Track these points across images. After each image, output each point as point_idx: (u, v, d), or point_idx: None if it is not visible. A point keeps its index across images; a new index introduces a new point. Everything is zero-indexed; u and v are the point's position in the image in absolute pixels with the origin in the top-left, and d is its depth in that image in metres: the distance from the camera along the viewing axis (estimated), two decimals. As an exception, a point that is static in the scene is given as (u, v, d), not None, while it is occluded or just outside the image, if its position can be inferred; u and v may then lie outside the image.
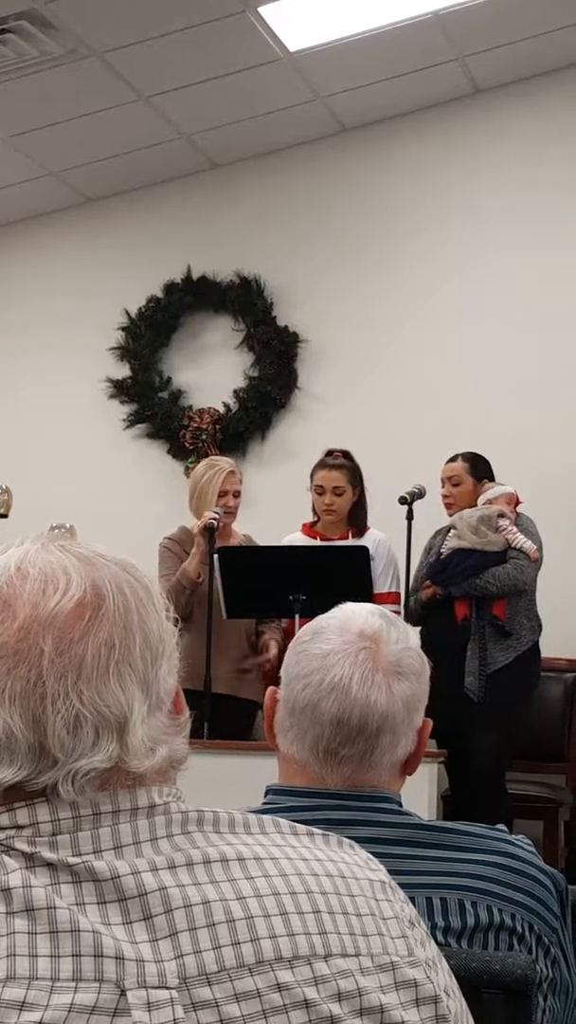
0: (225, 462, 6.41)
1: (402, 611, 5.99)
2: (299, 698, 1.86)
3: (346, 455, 6.34)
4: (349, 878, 1.27)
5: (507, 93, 7.79)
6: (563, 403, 7.43)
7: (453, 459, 6.35)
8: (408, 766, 1.92)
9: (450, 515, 6.28)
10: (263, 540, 6.31)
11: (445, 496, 6.30)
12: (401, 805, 1.88)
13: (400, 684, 1.86)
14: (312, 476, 6.30)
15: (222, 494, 6.09)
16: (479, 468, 6.31)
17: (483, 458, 6.35)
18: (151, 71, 7.20)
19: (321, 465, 6.30)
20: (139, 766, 1.20)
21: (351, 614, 1.93)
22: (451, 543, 6.09)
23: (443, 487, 6.32)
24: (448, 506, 6.30)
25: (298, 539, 6.32)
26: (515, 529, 6.09)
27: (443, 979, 1.28)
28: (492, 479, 6.31)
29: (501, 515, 6.09)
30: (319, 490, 6.25)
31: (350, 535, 6.26)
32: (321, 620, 1.94)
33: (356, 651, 1.85)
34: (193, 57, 7.06)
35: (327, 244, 8.12)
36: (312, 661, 1.86)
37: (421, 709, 1.91)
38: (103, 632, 1.20)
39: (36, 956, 1.09)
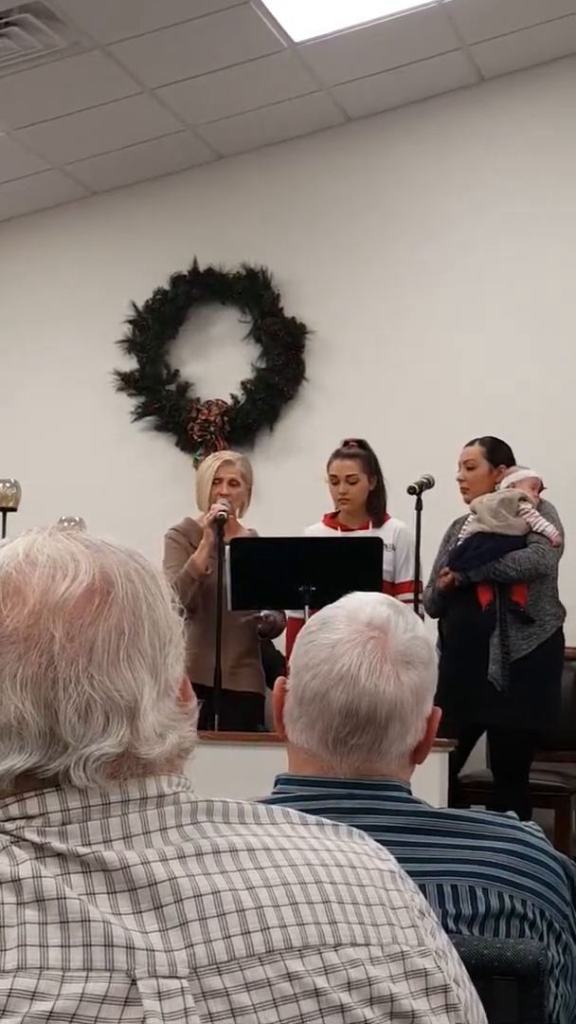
0: (226, 453, 6.46)
1: (414, 600, 5.96)
2: (308, 688, 1.86)
3: (361, 444, 6.35)
4: (359, 868, 1.27)
5: (512, 82, 7.78)
6: (569, 389, 7.42)
7: (471, 443, 6.32)
8: (418, 755, 1.92)
9: (466, 500, 6.24)
10: (271, 531, 6.31)
11: (460, 480, 6.27)
12: (411, 793, 1.88)
13: (408, 673, 1.86)
14: (328, 466, 6.32)
15: (216, 482, 6.10)
16: (497, 453, 6.26)
17: (503, 443, 6.30)
18: (155, 63, 7.19)
19: (335, 455, 6.32)
20: (149, 752, 1.21)
21: (359, 603, 1.93)
22: (470, 527, 6.05)
23: (459, 471, 6.29)
24: (463, 491, 6.26)
25: (319, 530, 6.32)
26: (537, 513, 6.04)
27: (453, 968, 1.28)
28: (511, 464, 6.27)
29: (523, 498, 6.05)
30: (333, 479, 6.26)
31: (370, 525, 6.26)
32: (329, 610, 1.94)
33: (364, 640, 1.85)
34: (197, 49, 7.06)
35: (333, 235, 8.12)
36: (320, 651, 1.87)
37: (430, 698, 1.91)
38: (112, 617, 1.20)
39: (47, 946, 1.09)
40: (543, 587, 6.02)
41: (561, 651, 6.11)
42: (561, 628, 6.06)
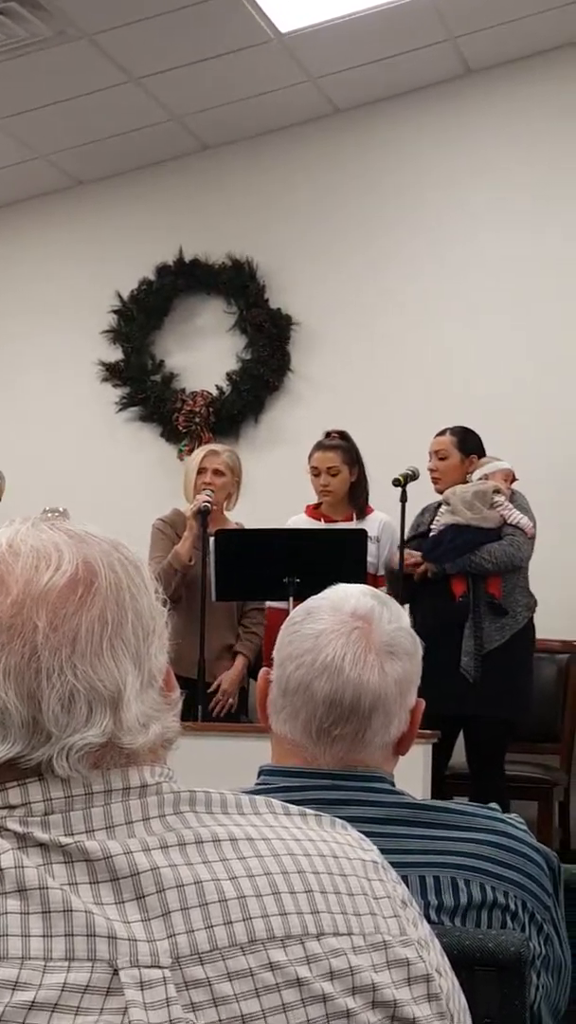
0: (216, 445, 6.48)
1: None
2: (292, 678, 1.86)
3: (343, 435, 6.37)
4: (341, 858, 1.27)
5: (499, 74, 7.77)
6: (555, 382, 7.42)
7: (441, 433, 6.31)
8: (401, 746, 1.92)
9: (437, 490, 6.25)
10: (255, 522, 6.31)
11: (432, 470, 6.26)
12: (394, 785, 1.88)
13: (393, 664, 1.86)
14: (309, 458, 6.34)
15: (201, 471, 6.12)
16: (467, 443, 6.26)
17: (473, 432, 6.30)
18: (141, 53, 7.17)
19: (317, 446, 6.34)
20: (132, 742, 1.21)
21: (344, 594, 1.93)
22: (444, 519, 6.05)
23: (430, 461, 6.28)
24: (435, 480, 6.26)
25: (302, 521, 6.34)
26: (511, 505, 6.06)
27: (435, 958, 1.29)
28: (482, 454, 6.28)
29: (497, 491, 6.07)
30: (314, 471, 6.28)
31: (353, 516, 6.28)
32: (314, 600, 1.94)
33: (348, 631, 1.86)
34: (184, 38, 7.04)
35: (320, 226, 8.11)
36: (304, 641, 1.87)
37: (414, 689, 1.91)
38: (96, 607, 1.21)
39: (28, 936, 1.09)
40: (516, 578, 6.05)
41: (533, 642, 6.14)
42: (532, 619, 6.08)
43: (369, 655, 1.85)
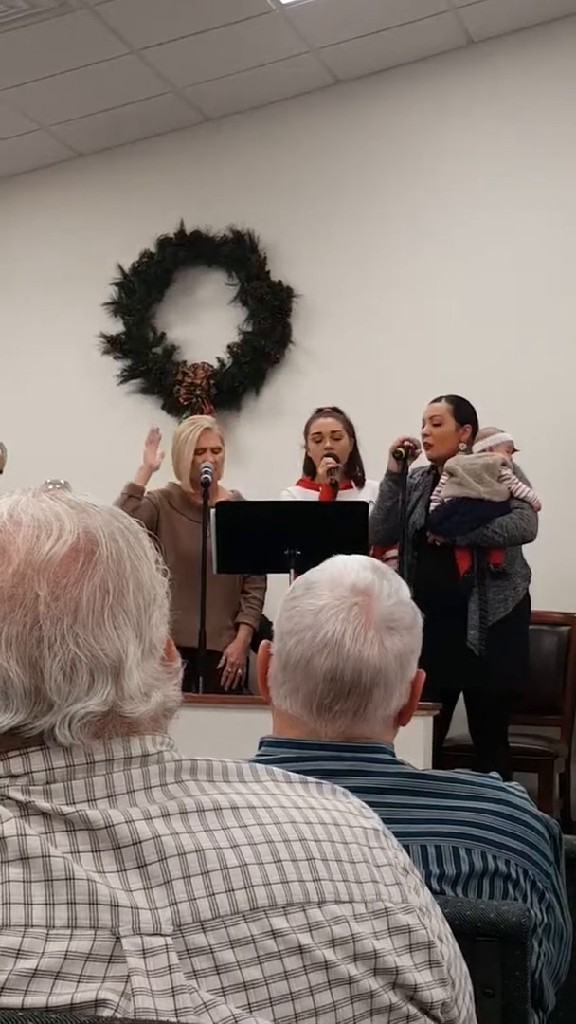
0: (204, 419, 6.48)
1: (399, 559, 5.95)
2: (292, 654, 1.86)
3: (336, 410, 6.42)
4: (343, 825, 1.28)
5: (501, 45, 7.73)
6: (557, 357, 7.41)
7: (437, 400, 6.26)
8: (402, 717, 1.92)
9: (429, 456, 6.20)
10: (255, 494, 6.32)
11: (425, 435, 6.19)
12: (394, 755, 1.88)
13: (392, 638, 1.86)
14: (308, 427, 6.35)
15: (199, 451, 6.13)
16: (462, 412, 6.21)
17: (467, 402, 6.25)
18: (142, 24, 7.14)
19: (316, 414, 6.39)
20: (134, 711, 1.21)
21: (343, 567, 1.92)
22: (450, 490, 6.00)
23: (423, 427, 6.24)
24: (427, 447, 6.20)
25: (297, 492, 6.34)
26: (517, 479, 6.05)
27: (436, 925, 1.29)
28: (475, 424, 6.24)
29: (504, 464, 6.05)
30: (317, 438, 6.30)
31: (352, 485, 6.30)
32: (313, 574, 1.94)
33: (348, 607, 1.85)
34: (185, 10, 7.01)
35: (321, 198, 8.08)
36: (304, 617, 1.86)
37: (414, 661, 1.91)
38: (97, 577, 1.21)
39: (31, 904, 1.10)
40: (516, 549, 6.04)
41: (529, 612, 6.12)
42: (528, 589, 6.08)
43: (369, 631, 1.85)
